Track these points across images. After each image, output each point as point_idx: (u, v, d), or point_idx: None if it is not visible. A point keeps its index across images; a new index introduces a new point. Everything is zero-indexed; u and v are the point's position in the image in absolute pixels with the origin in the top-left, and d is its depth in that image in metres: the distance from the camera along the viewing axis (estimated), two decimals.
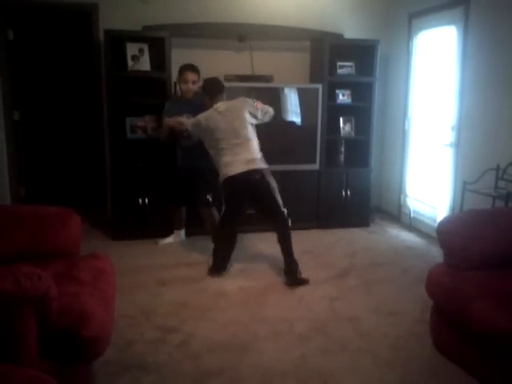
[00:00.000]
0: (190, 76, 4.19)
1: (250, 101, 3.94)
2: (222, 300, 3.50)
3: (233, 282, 3.78)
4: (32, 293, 1.83)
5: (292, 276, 3.73)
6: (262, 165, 3.82)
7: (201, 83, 4.16)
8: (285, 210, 3.86)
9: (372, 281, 3.88)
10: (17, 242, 2.69)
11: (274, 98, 4.98)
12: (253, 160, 3.78)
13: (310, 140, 5.00)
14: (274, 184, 3.88)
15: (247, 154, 3.78)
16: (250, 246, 4.62)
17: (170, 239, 4.68)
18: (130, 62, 4.63)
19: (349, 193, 5.21)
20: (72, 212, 2.89)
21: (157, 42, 4.63)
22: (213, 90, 3.94)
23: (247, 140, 3.81)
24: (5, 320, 1.80)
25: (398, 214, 5.53)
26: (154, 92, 4.74)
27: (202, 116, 3.84)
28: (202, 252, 4.34)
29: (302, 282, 3.72)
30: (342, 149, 5.29)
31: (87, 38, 5.02)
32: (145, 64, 4.68)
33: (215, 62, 4.99)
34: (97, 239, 4.69)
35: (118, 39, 4.56)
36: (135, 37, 4.65)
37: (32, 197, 5.26)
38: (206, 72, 4.88)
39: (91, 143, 5.56)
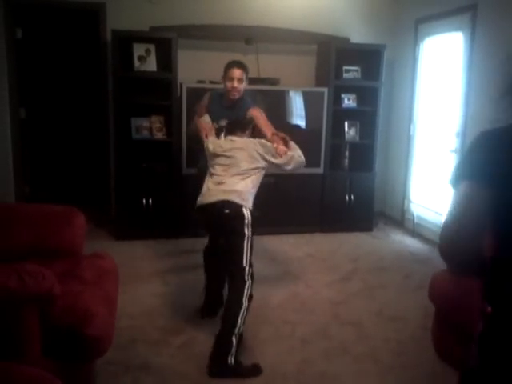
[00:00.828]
0: (237, 73, 3.58)
1: (268, 145, 3.24)
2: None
3: None
4: (36, 291, 1.84)
5: (217, 361, 2.65)
6: (242, 202, 2.99)
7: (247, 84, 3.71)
8: (247, 268, 2.94)
9: (374, 285, 3.87)
10: (21, 239, 2.69)
11: (279, 100, 4.99)
12: (234, 192, 3.01)
13: (314, 143, 5.00)
14: (246, 232, 2.98)
15: (234, 184, 3.05)
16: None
17: None
18: (136, 63, 4.65)
19: (352, 197, 5.21)
20: (76, 211, 2.89)
21: (164, 43, 4.65)
22: (231, 127, 3.39)
23: (244, 174, 3.11)
24: (9, 318, 1.81)
25: (401, 220, 5.52)
26: (159, 93, 4.75)
27: (210, 139, 3.34)
28: None
29: (232, 372, 2.63)
30: (347, 153, 5.29)
31: (94, 38, 5.03)
32: (151, 64, 4.70)
33: (221, 64, 4.97)
34: (100, 239, 4.69)
35: (125, 39, 4.57)
36: (142, 37, 4.66)
37: (36, 195, 5.27)
38: (212, 74, 4.90)
39: (96, 143, 5.57)
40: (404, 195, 5.46)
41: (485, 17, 4.21)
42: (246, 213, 2.99)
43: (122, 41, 4.54)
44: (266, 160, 3.18)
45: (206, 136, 3.41)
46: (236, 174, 3.10)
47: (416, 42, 5.19)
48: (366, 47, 5.21)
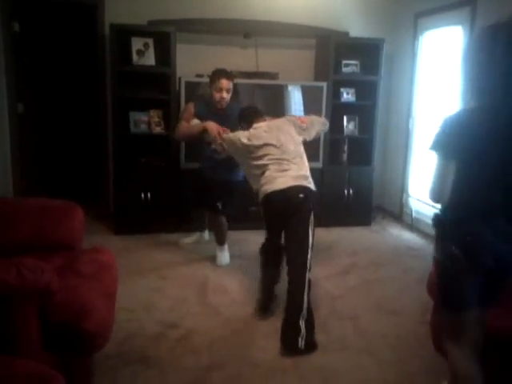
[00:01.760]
0: (226, 84, 3.71)
1: (293, 118, 3.57)
2: (223, 296, 3.50)
3: (233, 278, 3.79)
4: (35, 285, 1.84)
5: (288, 346, 2.82)
6: (311, 186, 3.23)
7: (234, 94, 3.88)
8: (310, 254, 3.07)
9: (373, 280, 3.88)
10: (20, 234, 2.70)
11: (278, 95, 4.98)
12: (304, 176, 3.24)
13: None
14: (312, 217, 3.14)
15: (298, 169, 3.25)
16: (251, 243, 4.62)
17: (190, 239, 4.55)
18: (134, 57, 4.63)
19: (351, 191, 5.21)
20: (75, 205, 2.90)
21: (162, 37, 4.63)
22: (251, 117, 3.54)
23: (298, 156, 3.31)
24: (8, 312, 1.81)
25: (399, 214, 5.53)
26: (158, 87, 4.74)
27: (241, 134, 3.41)
28: (204, 249, 4.34)
29: (308, 348, 2.81)
30: (346, 147, 5.28)
31: (92, 32, 5.01)
32: (149, 59, 4.68)
33: (220, 58, 4.98)
34: (99, 233, 4.69)
35: (124, 33, 4.55)
36: (140, 31, 4.64)
37: (34, 190, 5.26)
38: (210, 68, 4.88)
39: (94, 137, 5.56)
40: (402, 189, 5.46)
41: (484, 11, 4.20)
42: (315, 198, 3.22)
43: (120, 35, 4.52)
44: (300, 133, 3.42)
45: (219, 134, 3.50)
46: (293, 158, 3.28)
47: (415, 35, 5.17)
48: (365, 41, 5.20)
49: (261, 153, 3.29)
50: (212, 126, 3.57)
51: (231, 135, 3.48)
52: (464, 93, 2.01)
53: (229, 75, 3.75)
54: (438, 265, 2.04)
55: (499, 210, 1.90)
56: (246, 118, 3.56)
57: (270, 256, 3.37)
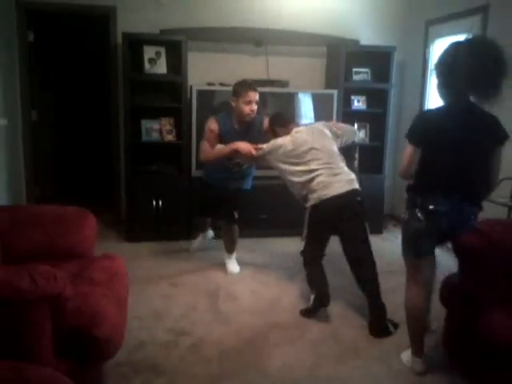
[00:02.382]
0: (254, 96, 3.64)
1: (329, 123, 3.64)
2: (234, 304, 3.50)
3: (245, 287, 3.78)
4: (48, 292, 1.85)
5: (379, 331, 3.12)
6: (360, 189, 3.35)
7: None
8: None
9: (385, 288, 3.82)
10: (33, 241, 2.72)
11: (288, 103, 4.99)
12: (355, 180, 3.33)
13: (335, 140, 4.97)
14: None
15: (348, 173, 3.34)
16: (262, 251, 4.62)
17: (197, 242, 4.53)
18: (146, 65, 4.67)
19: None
20: (88, 213, 2.92)
21: (174, 46, 4.67)
22: (286, 121, 3.63)
23: (341, 160, 3.40)
24: (21, 318, 1.82)
25: None
26: (169, 95, 4.77)
27: (281, 142, 3.42)
28: (215, 257, 4.34)
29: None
30: (356, 155, 5.25)
31: (105, 41, 5.07)
32: (161, 67, 4.72)
33: (231, 66, 5.02)
34: (110, 240, 4.72)
35: (136, 42, 4.60)
36: (152, 40, 4.68)
37: (47, 197, 5.30)
38: (221, 76, 4.92)
39: (106, 145, 5.60)
40: None
41: (496, 18, 4.19)
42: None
43: (133, 44, 4.57)
44: (335, 139, 3.51)
45: (256, 149, 3.50)
46: (339, 162, 3.38)
47: (426, 43, 5.16)
48: (375, 49, 5.20)
49: (308, 157, 3.33)
50: (244, 147, 3.53)
51: (270, 146, 3.46)
52: (440, 92, 2.55)
53: (255, 87, 3.69)
54: (404, 222, 2.69)
55: (456, 188, 2.49)
56: (281, 123, 3.60)
57: (320, 266, 3.42)
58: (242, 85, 3.68)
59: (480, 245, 2.76)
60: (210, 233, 4.63)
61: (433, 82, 5.11)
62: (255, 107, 3.66)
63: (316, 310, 3.28)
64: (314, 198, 3.28)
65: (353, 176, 3.36)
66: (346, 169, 3.39)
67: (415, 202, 2.60)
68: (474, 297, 2.54)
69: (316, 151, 3.34)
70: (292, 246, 4.77)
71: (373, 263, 3.29)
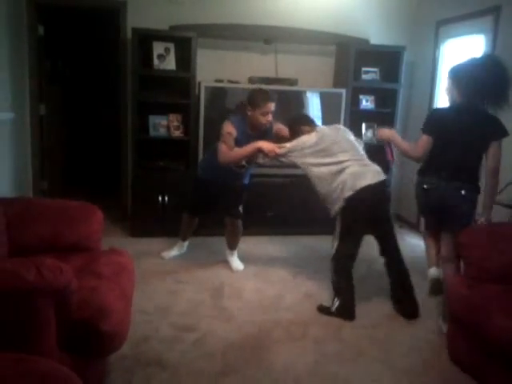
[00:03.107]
0: (272, 107, 3.63)
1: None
2: (238, 301, 3.51)
3: (248, 284, 3.79)
4: (53, 285, 1.87)
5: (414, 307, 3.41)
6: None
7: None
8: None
9: (389, 289, 3.84)
10: (39, 234, 2.74)
11: (297, 101, 4.99)
12: (381, 171, 3.41)
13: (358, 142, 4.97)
14: None
15: (374, 164, 3.45)
16: (265, 249, 4.63)
17: (174, 252, 4.34)
18: (155, 61, 4.68)
19: None
20: (94, 207, 2.93)
21: (183, 42, 4.67)
22: (308, 119, 3.75)
23: (365, 154, 3.54)
24: (26, 310, 1.84)
25: (417, 223, 5.47)
26: (178, 91, 4.78)
27: (306, 138, 3.47)
28: (219, 253, 4.35)
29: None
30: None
31: (115, 36, 5.08)
32: (170, 63, 4.72)
33: (240, 64, 5.02)
34: (116, 235, 4.74)
35: (145, 38, 4.61)
36: (162, 36, 4.69)
37: (54, 191, 5.33)
38: (230, 73, 4.92)
39: (114, 139, 5.62)
40: None
41: (508, 19, 4.16)
42: None
43: (142, 39, 4.58)
44: (357, 141, 3.65)
45: (279, 148, 3.51)
46: (363, 154, 3.51)
47: (436, 44, 5.14)
48: (385, 49, 5.18)
49: (335, 149, 3.38)
50: (267, 146, 3.52)
51: (294, 143, 3.49)
52: (451, 95, 3.13)
53: (271, 97, 3.66)
54: (416, 197, 3.40)
55: (452, 173, 3.08)
56: (306, 122, 3.69)
57: (349, 276, 3.41)
58: (261, 97, 3.60)
59: (486, 246, 2.77)
60: (186, 244, 4.41)
61: (443, 84, 5.09)
62: (271, 117, 3.66)
63: (338, 317, 3.30)
64: (347, 189, 3.25)
65: (379, 167, 3.44)
66: (370, 161, 3.49)
67: (419, 181, 3.26)
68: (478, 299, 2.54)
69: (343, 144, 3.42)
70: (297, 245, 4.78)
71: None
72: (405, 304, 3.41)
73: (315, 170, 3.41)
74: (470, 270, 2.80)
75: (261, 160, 3.77)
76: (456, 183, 3.06)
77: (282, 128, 3.85)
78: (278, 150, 3.49)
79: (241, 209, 4.06)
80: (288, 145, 3.49)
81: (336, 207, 3.35)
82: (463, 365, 2.69)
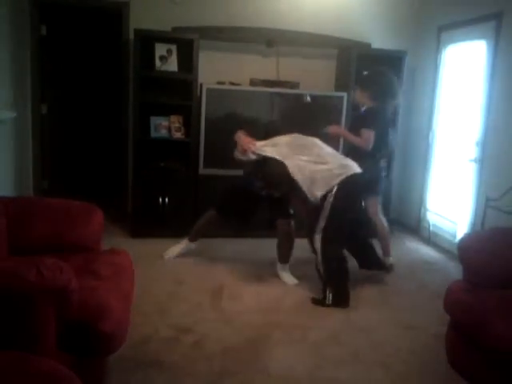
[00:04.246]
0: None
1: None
2: (238, 303, 3.50)
3: (249, 287, 3.79)
4: (53, 285, 1.86)
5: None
6: None
7: None
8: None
9: (388, 293, 3.85)
10: (39, 233, 2.73)
11: (298, 104, 4.99)
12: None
13: (332, 148, 4.97)
14: None
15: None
16: (266, 252, 4.62)
17: (178, 249, 4.28)
18: (157, 62, 4.68)
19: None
20: (95, 207, 2.93)
21: (185, 44, 4.68)
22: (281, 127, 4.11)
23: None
24: (26, 310, 1.84)
25: (417, 228, 5.48)
26: (179, 93, 4.78)
27: (285, 137, 3.71)
28: (220, 254, 4.35)
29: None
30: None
31: (117, 37, 5.08)
32: (172, 65, 4.73)
33: (241, 66, 5.03)
34: (116, 235, 4.73)
35: (147, 39, 4.61)
36: (164, 37, 4.70)
37: (54, 190, 5.32)
38: (232, 75, 4.93)
39: (115, 140, 5.62)
40: (421, 203, 5.41)
41: (510, 25, 4.17)
42: None
43: (144, 40, 4.58)
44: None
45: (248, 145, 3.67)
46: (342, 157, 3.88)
47: (438, 49, 5.15)
48: (387, 53, 5.18)
49: (314, 148, 3.60)
50: (244, 140, 3.64)
51: (267, 141, 3.66)
52: (375, 96, 3.93)
53: None
54: (374, 178, 4.03)
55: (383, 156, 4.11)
56: (280, 128, 4.00)
57: (345, 260, 3.57)
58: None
59: (485, 252, 2.77)
60: (193, 246, 4.33)
61: (444, 89, 5.11)
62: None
63: (335, 307, 3.42)
64: (336, 175, 3.45)
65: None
66: None
67: (374, 163, 4.02)
68: (477, 305, 2.53)
69: (319, 144, 3.68)
70: (297, 247, 4.77)
71: None
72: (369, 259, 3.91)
73: (294, 161, 3.50)
74: (469, 275, 2.80)
75: (239, 155, 3.78)
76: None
77: (241, 136, 3.79)
78: (254, 145, 3.61)
79: (291, 209, 3.94)
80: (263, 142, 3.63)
81: (324, 190, 3.44)
82: (462, 370, 2.68)
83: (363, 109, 4.02)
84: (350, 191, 3.51)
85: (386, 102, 3.93)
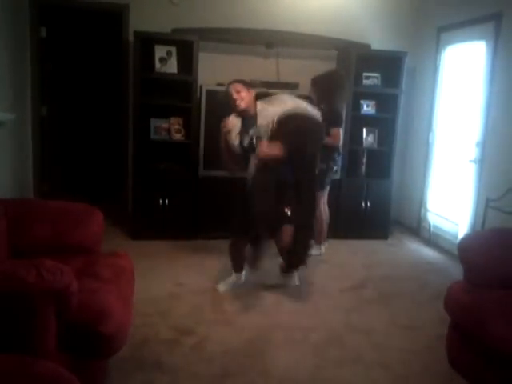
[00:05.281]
0: (236, 87, 3.50)
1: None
2: (238, 304, 3.50)
3: (249, 288, 3.78)
4: (54, 287, 1.86)
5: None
6: None
7: None
8: None
9: (389, 294, 3.84)
10: (40, 235, 2.73)
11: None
12: None
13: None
14: None
15: None
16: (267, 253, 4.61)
17: (228, 282, 3.79)
18: (157, 64, 4.68)
19: (369, 204, 5.18)
20: (95, 209, 2.93)
21: (185, 45, 4.68)
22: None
23: None
24: (26, 312, 1.83)
25: (417, 228, 5.48)
26: (179, 94, 4.78)
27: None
28: (221, 255, 4.35)
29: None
30: (364, 159, 5.26)
31: (117, 39, 5.09)
32: (172, 66, 4.73)
33: (241, 68, 5.02)
34: (117, 237, 4.73)
35: (147, 41, 4.62)
36: (164, 39, 4.70)
37: (54, 192, 5.32)
38: (232, 77, 4.90)
39: (115, 142, 5.62)
40: (421, 204, 5.41)
41: (509, 26, 4.17)
42: None
43: (144, 42, 4.59)
44: None
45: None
46: None
47: (438, 50, 5.15)
48: (386, 54, 5.19)
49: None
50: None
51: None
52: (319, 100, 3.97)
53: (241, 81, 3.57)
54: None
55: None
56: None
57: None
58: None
59: (486, 252, 2.77)
60: (244, 275, 3.84)
61: (443, 90, 5.11)
62: (240, 99, 3.43)
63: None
64: None
65: None
66: None
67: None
68: (478, 305, 2.53)
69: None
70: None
71: None
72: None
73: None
74: (469, 275, 2.79)
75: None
76: None
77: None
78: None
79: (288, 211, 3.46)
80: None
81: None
82: (462, 370, 2.68)
83: (324, 109, 3.81)
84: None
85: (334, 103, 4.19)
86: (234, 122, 3.47)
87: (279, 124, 3.24)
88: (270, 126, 3.28)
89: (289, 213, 3.34)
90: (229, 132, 3.45)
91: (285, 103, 3.37)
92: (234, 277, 3.79)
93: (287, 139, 3.19)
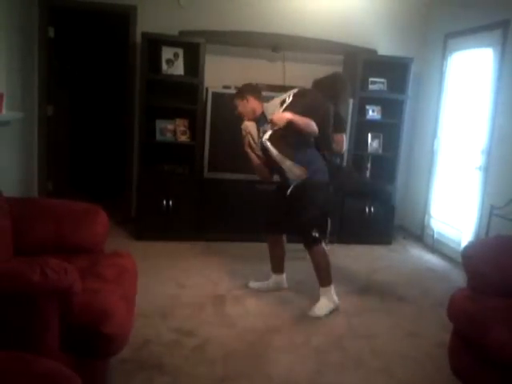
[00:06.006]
0: (235, 103, 3.66)
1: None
2: (240, 307, 3.50)
3: (251, 291, 3.78)
4: (57, 286, 1.87)
5: None
6: None
7: None
8: None
9: (391, 300, 3.83)
10: (43, 234, 2.74)
11: None
12: None
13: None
14: None
15: None
16: (267, 256, 4.61)
17: (262, 284, 3.82)
18: (164, 66, 4.70)
19: (372, 209, 5.17)
20: (99, 209, 2.93)
21: (192, 48, 4.69)
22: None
23: None
24: (30, 310, 1.84)
25: (421, 235, 5.46)
26: (185, 96, 4.79)
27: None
28: (223, 258, 4.35)
29: None
30: (369, 165, 5.26)
31: (124, 40, 5.11)
32: (179, 68, 4.74)
33: (247, 71, 5.03)
34: (120, 238, 4.74)
35: (154, 42, 4.63)
36: (171, 41, 4.71)
37: (59, 192, 5.34)
38: (238, 80, 4.91)
39: (120, 142, 5.64)
40: (425, 210, 5.40)
41: None
42: None
43: (151, 44, 4.61)
44: None
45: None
46: None
47: (444, 56, 5.15)
48: (393, 60, 5.19)
49: None
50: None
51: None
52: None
53: (237, 95, 3.68)
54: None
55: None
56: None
57: None
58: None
59: (490, 260, 2.76)
60: (284, 278, 3.86)
61: (449, 97, 5.10)
62: (239, 111, 3.60)
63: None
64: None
65: None
66: None
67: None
68: (481, 313, 2.52)
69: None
70: (299, 254, 4.76)
71: None
72: None
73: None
74: (473, 283, 2.78)
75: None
76: None
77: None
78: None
79: (315, 233, 3.57)
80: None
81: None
82: (464, 378, 2.67)
83: None
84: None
85: None
86: (250, 124, 3.59)
87: (295, 96, 3.49)
88: (279, 107, 3.46)
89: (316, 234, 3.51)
90: (250, 134, 3.55)
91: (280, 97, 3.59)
92: (273, 278, 3.83)
93: (303, 108, 3.41)
